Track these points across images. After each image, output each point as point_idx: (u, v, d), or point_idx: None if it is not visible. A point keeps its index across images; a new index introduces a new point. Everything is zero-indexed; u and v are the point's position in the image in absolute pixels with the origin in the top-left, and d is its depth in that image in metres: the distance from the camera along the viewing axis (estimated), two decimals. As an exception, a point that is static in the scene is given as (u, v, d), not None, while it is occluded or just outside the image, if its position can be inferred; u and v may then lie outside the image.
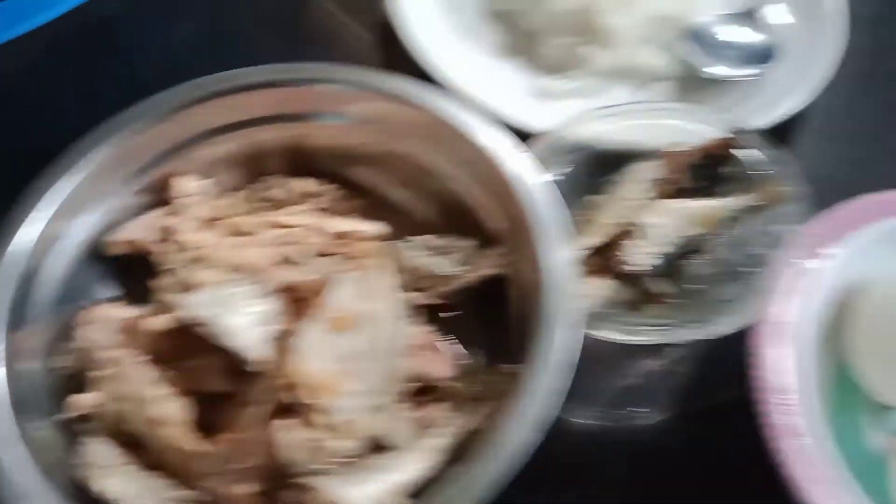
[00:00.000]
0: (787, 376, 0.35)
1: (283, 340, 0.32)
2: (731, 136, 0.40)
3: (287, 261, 0.35)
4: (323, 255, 0.36)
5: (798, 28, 0.52)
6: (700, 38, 0.51)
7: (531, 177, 0.37)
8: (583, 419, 0.41)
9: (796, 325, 0.37)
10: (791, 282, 0.38)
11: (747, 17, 0.52)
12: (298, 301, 0.34)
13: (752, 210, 0.39)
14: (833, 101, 0.52)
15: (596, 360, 0.43)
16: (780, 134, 0.48)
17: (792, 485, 0.33)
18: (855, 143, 0.52)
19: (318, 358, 0.32)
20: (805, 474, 0.33)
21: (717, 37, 0.51)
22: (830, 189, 0.43)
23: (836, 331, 0.40)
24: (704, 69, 0.50)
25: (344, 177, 0.43)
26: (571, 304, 0.34)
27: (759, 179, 0.39)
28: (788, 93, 0.48)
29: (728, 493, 0.39)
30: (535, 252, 0.35)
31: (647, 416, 0.42)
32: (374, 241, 0.37)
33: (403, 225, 0.40)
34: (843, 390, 0.40)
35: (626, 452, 0.41)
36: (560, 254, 0.35)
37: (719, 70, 0.50)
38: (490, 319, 0.38)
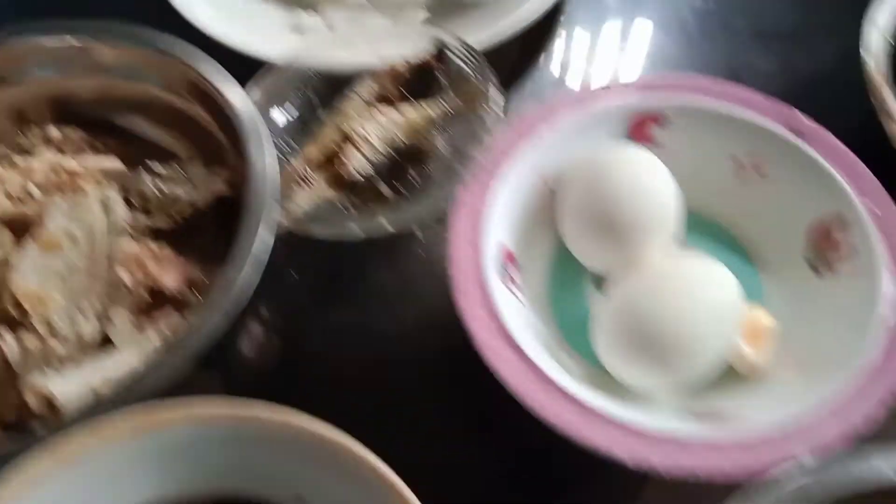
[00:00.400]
0: (475, 253, 0.40)
1: (5, 264, 0.37)
2: (443, 50, 0.44)
3: (17, 197, 0.39)
4: (56, 189, 0.40)
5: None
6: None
7: (247, 103, 0.41)
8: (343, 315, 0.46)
9: (498, 208, 0.42)
10: (489, 171, 0.42)
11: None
12: (22, 230, 0.38)
13: (460, 113, 0.43)
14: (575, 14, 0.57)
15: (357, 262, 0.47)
16: (514, 46, 0.52)
17: (477, 346, 0.37)
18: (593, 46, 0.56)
19: (32, 275, 0.36)
20: (486, 336, 0.37)
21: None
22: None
23: (553, 213, 0.45)
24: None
25: (109, 121, 0.47)
26: (270, 210, 0.38)
27: (465, 87, 0.43)
28: (527, 8, 0.51)
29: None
30: (248, 168, 0.40)
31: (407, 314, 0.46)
32: (102, 173, 0.40)
33: (153, 158, 0.44)
34: (567, 265, 0.45)
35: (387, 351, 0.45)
36: (267, 168, 0.39)
37: (468, -7, 0.53)
38: (222, 236, 0.42)
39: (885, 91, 0.43)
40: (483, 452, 0.41)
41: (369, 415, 0.42)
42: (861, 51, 0.45)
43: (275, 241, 0.46)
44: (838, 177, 0.42)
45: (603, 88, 0.44)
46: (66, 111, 0.46)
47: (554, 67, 0.55)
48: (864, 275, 0.39)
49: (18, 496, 0.29)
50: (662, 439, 0.34)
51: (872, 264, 0.39)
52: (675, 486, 0.38)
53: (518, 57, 0.54)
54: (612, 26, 0.58)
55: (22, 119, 0.45)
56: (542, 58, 0.55)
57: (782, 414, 0.36)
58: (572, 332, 0.42)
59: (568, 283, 0.44)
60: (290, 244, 0.47)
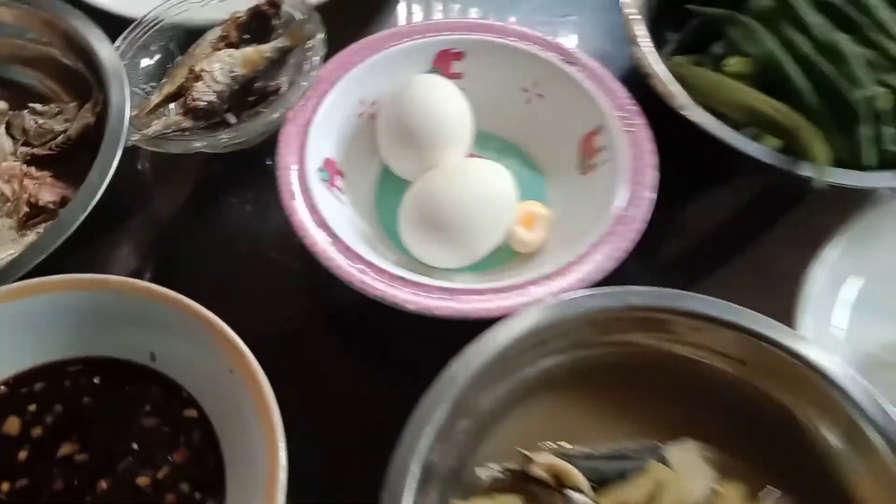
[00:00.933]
0: (300, 161, 0.49)
1: None
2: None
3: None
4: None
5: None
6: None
7: (113, 54, 0.50)
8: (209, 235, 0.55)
9: (321, 126, 0.51)
10: (315, 97, 0.51)
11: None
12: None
13: (287, 51, 0.52)
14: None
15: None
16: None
17: (296, 228, 0.46)
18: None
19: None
20: (304, 221, 0.47)
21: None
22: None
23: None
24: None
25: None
26: (122, 134, 0.46)
27: (292, 28, 0.53)
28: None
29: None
30: (109, 104, 0.48)
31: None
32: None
33: (35, 101, 0.53)
34: (391, 179, 0.54)
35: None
36: (123, 103, 0.48)
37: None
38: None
39: (636, 25, 0.54)
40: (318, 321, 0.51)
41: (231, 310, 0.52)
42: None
43: (145, 172, 0.56)
44: (598, 94, 0.52)
45: (409, 28, 0.54)
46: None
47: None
48: (610, 170, 0.50)
49: None
50: (438, 290, 0.44)
51: (617, 161, 0.50)
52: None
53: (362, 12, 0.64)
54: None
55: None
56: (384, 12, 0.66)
57: (537, 272, 0.46)
58: (393, 231, 0.52)
59: (391, 193, 0.54)
60: (158, 175, 0.56)
